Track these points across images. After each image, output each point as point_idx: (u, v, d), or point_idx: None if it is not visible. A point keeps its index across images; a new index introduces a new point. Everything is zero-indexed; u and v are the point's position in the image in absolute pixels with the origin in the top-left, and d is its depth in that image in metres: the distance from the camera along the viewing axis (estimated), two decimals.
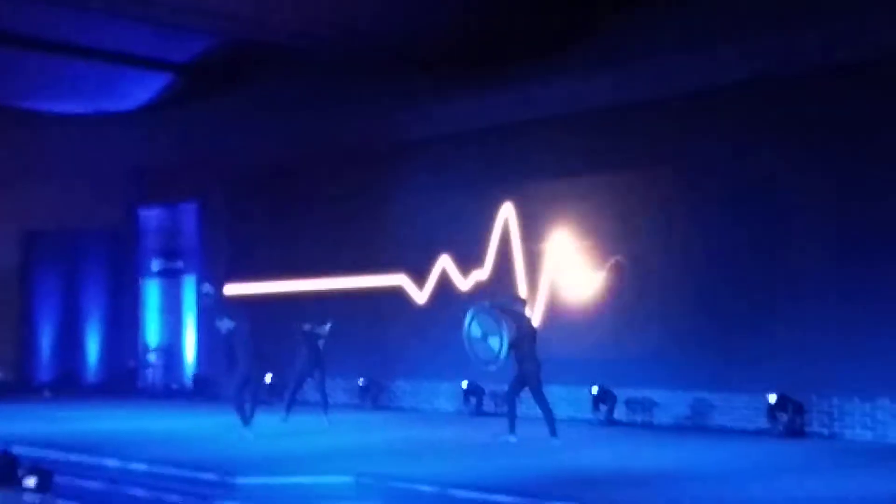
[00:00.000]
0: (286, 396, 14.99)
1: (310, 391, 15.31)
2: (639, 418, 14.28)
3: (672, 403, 14.00)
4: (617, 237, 14.84)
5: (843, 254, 12.55)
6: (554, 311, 15.38)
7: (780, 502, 8.43)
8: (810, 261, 12.85)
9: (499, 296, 13.92)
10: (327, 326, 14.65)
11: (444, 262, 16.88)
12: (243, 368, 13.39)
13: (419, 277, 17.29)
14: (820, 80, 12.70)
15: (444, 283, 16.88)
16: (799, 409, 12.62)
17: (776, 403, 12.65)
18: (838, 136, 12.63)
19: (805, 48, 12.99)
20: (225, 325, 13.48)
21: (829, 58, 12.63)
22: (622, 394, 14.35)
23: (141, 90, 20.00)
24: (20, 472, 6.79)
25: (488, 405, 15.86)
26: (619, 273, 14.68)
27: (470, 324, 12.73)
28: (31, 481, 6.87)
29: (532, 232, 15.88)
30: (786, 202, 13.11)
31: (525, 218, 15.98)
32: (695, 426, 13.68)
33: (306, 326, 14.58)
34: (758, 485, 9.24)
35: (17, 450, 8.06)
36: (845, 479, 9.67)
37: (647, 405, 14.21)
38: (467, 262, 16.63)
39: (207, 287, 15.27)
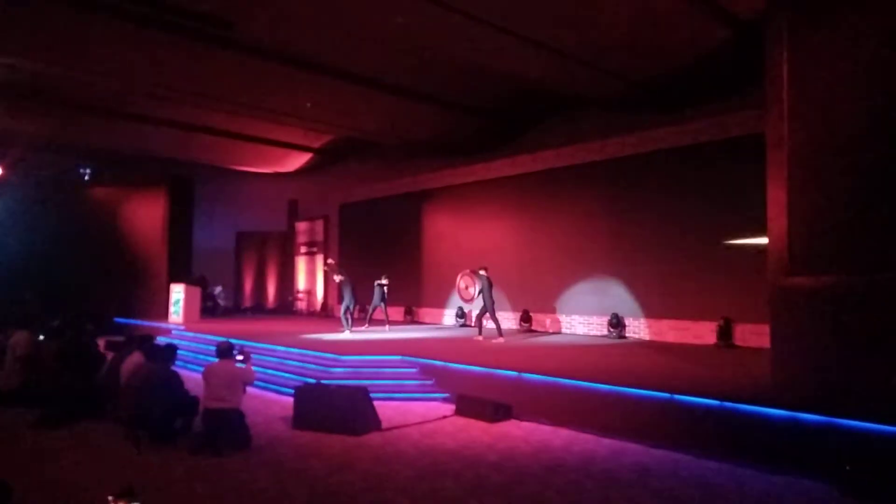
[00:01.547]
0: (367, 316, 15.02)
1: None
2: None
3: None
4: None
5: None
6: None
7: None
8: None
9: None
10: (384, 280, 14.65)
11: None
12: (346, 300, 13.45)
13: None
14: None
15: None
16: None
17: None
18: None
19: (627, 144, 12.82)
20: (338, 278, 13.61)
21: None
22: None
23: (295, 161, 20.01)
24: (234, 352, 6.85)
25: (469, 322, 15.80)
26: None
27: (458, 280, 12.69)
28: (239, 357, 6.91)
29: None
30: None
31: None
32: None
33: (376, 281, 14.64)
34: None
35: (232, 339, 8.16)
36: None
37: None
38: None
39: (331, 260, 15.24)
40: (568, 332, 13.73)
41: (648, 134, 12.41)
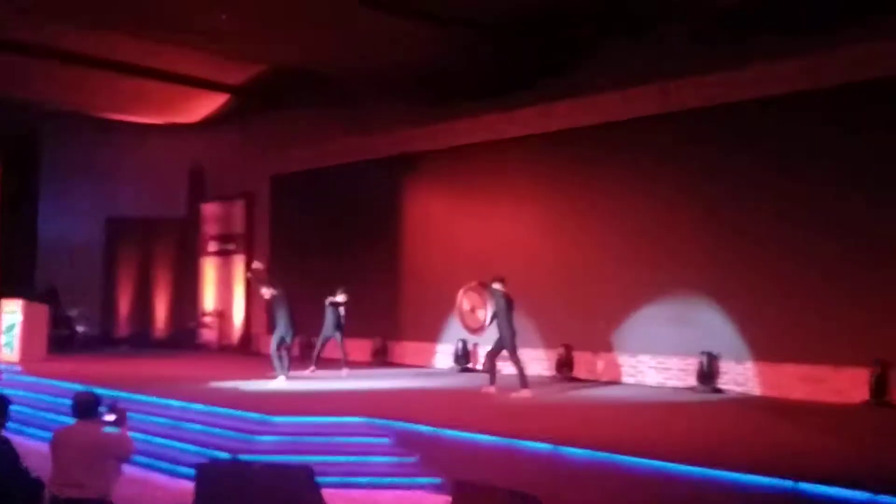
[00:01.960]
0: (314, 354, 15.01)
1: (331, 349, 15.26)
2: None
3: None
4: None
5: None
6: None
7: None
8: None
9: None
10: (341, 297, 14.63)
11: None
12: (281, 327, 13.45)
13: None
14: None
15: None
16: None
17: None
18: None
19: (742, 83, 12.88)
20: (268, 292, 13.62)
21: None
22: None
23: (201, 106, 19.96)
24: (101, 408, 6.71)
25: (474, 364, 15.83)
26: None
27: (461, 299, 12.70)
28: (109, 417, 6.78)
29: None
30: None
31: None
32: None
33: (328, 299, 14.64)
34: None
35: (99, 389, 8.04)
36: None
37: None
38: None
39: (257, 263, 15.22)
40: (632, 381, 13.81)
41: (766, 70, 12.44)
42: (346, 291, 14.73)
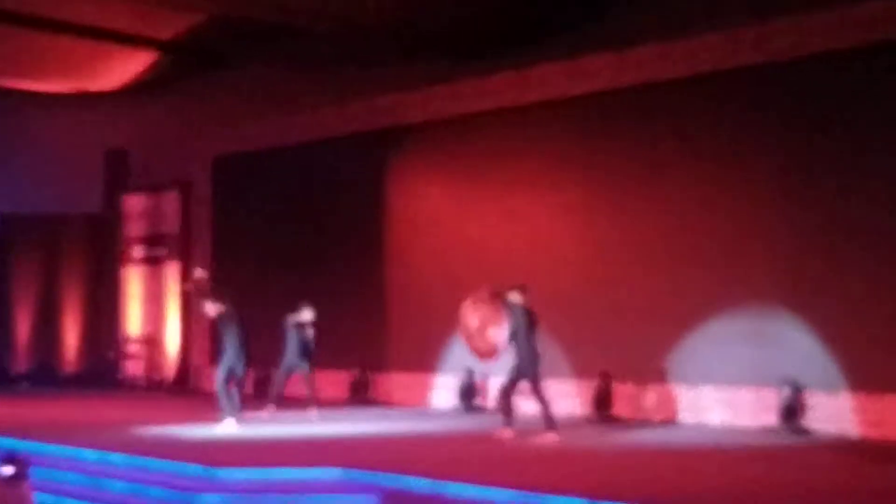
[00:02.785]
0: (272, 389, 15.02)
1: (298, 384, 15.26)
2: None
3: None
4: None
5: None
6: None
7: None
8: None
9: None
10: (306, 314, 14.64)
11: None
12: (230, 355, 13.44)
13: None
14: None
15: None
16: None
17: None
18: None
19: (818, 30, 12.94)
20: (214, 308, 13.61)
21: None
22: None
23: (121, 69, 19.98)
24: None
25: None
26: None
27: (468, 314, 12.67)
28: (6, 469, 6.79)
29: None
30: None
31: None
32: None
33: (290, 318, 14.67)
34: None
35: None
36: None
37: None
38: None
39: (199, 271, 15.22)
40: (692, 420, 13.85)
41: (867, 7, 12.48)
42: (310, 307, 14.71)
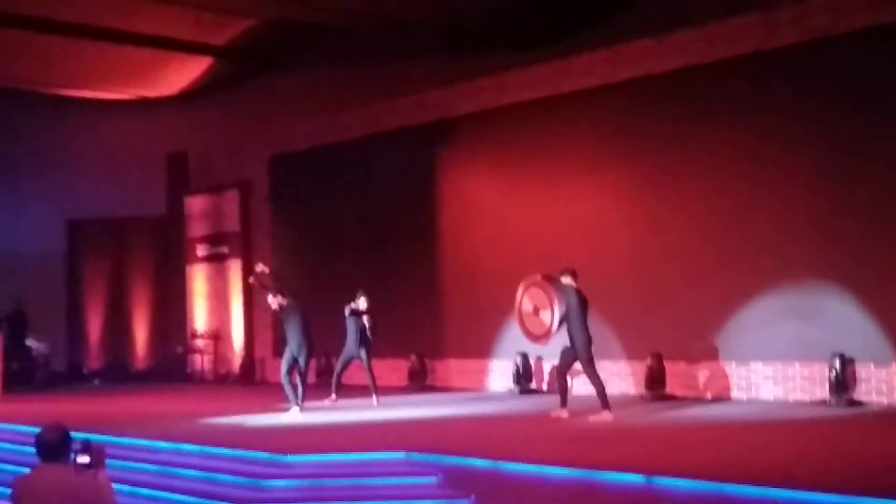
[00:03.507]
0: (334, 378, 15.09)
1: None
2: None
3: None
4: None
5: None
6: None
7: None
8: None
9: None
10: (362, 302, 14.68)
11: None
12: (292, 346, 13.54)
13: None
14: None
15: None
16: None
17: None
18: None
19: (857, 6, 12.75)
20: (276, 301, 13.68)
21: None
22: None
23: (179, 75, 20.15)
24: (74, 448, 6.80)
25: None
26: None
27: (521, 298, 12.68)
28: (83, 459, 6.87)
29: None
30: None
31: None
32: None
33: (348, 307, 14.70)
34: None
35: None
36: None
37: None
38: None
39: (260, 266, 15.25)
40: (743, 396, 13.78)
41: None
42: (365, 296, 14.76)
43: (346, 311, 14.70)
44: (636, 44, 14.81)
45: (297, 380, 13.64)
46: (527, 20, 15.40)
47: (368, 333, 14.73)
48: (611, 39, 15.08)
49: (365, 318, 14.70)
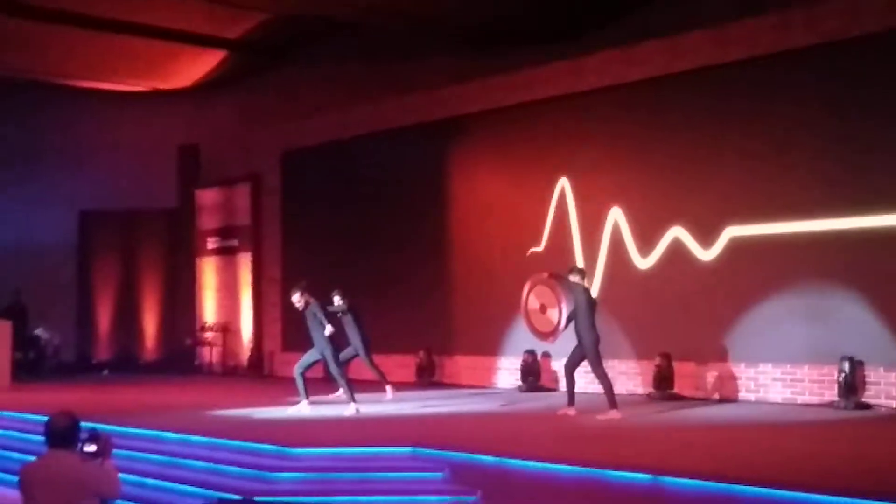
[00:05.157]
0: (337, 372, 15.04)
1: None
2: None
3: None
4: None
5: None
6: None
7: None
8: None
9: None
10: (338, 301, 14.52)
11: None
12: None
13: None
14: None
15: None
16: None
17: None
18: None
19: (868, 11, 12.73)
20: (299, 300, 13.21)
21: None
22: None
23: (192, 68, 20.20)
24: (81, 436, 6.84)
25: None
26: None
27: (528, 296, 12.69)
28: (90, 447, 6.90)
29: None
30: None
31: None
32: None
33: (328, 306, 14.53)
34: None
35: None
36: None
37: None
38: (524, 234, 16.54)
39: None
40: (752, 398, 13.76)
41: None
42: (340, 293, 14.47)
43: (338, 312, 14.42)
44: (649, 44, 14.77)
45: (347, 374, 13.56)
46: (540, 18, 15.40)
47: (362, 334, 14.57)
48: (624, 39, 15.04)
49: (345, 317, 14.50)
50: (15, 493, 7.00)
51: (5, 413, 14.08)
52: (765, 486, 7.60)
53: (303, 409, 13.24)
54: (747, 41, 13.80)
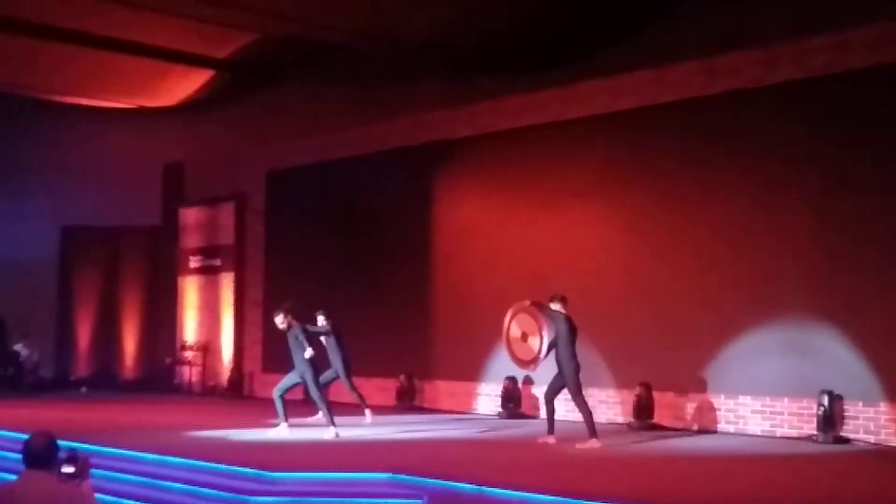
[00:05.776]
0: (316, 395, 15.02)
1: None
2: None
3: None
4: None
5: None
6: None
7: None
8: None
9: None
10: (322, 322, 14.58)
11: None
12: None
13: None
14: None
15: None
16: None
17: None
18: None
19: (856, 47, 12.82)
20: (282, 321, 13.20)
21: None
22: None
23: (179, 87, 20.20)
24: (60, 455, 6.78)
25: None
26: None
27: (509, 324, 12.68)
28: (68, 468, 6.85)
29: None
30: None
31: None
32: None
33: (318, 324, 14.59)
34: None
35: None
36: None
37: None
38: None
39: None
40: (731, 429, 13.76)
41: None
42: (324, 313, 14.63)
43: (322, 333, 14.46)
44: (637, 74, 14.83)
45: (327, 398, 13.58)
46: (528, 46, 15.44)
47: (342, 354, 14.63)
48: (612, 68, 15.09)
49: (328, 339, 14.56)
50: None
51: None
52: None
53: (282, 431, 13.20)
54: (733, 74, 13.86)
